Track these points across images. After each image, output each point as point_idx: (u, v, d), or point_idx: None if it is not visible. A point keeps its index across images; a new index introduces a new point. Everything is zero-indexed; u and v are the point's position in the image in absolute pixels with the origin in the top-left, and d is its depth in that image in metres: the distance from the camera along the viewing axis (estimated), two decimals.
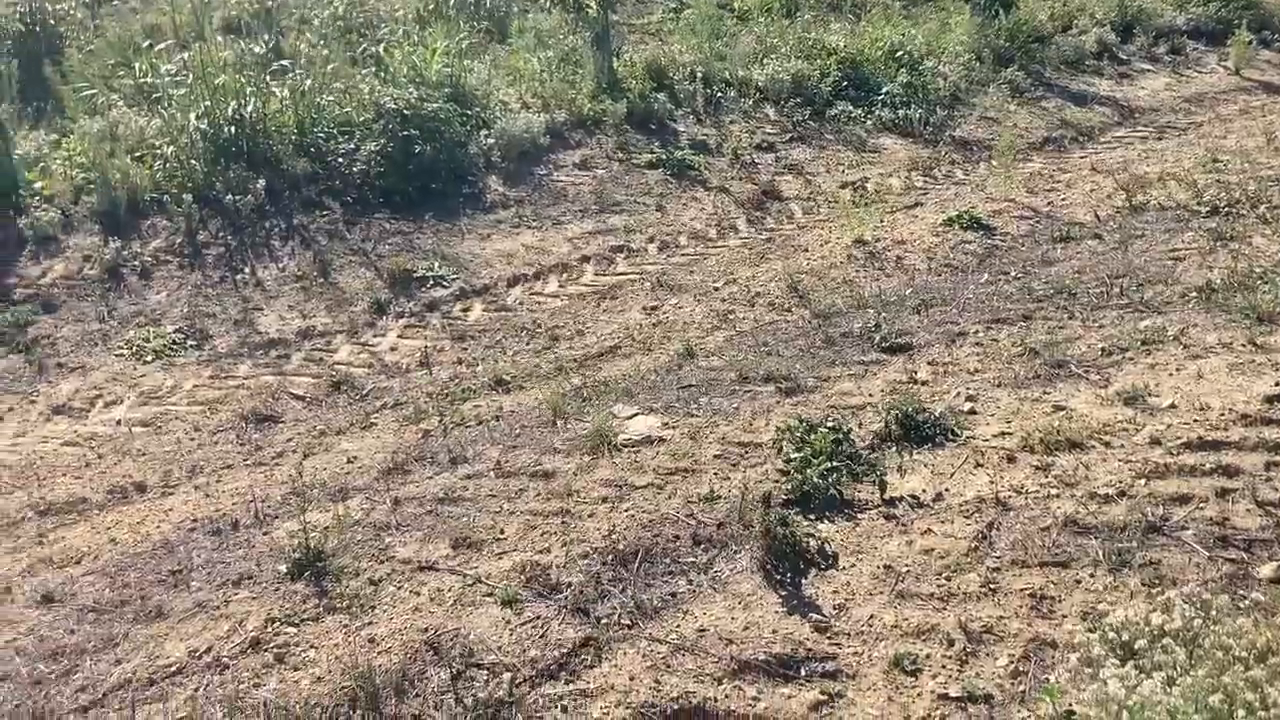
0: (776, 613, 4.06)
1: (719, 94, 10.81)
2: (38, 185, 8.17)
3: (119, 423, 6.16)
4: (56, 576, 4.76)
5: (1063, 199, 8.84)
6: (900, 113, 10.65)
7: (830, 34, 12.17)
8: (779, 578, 4.24)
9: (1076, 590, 4.04)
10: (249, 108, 8.67)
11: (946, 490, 4.74)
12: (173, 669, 4.05)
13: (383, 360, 6.81)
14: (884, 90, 10.95)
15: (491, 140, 9.44)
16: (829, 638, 3.91)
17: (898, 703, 3.60)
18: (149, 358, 6.78)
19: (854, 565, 4.31)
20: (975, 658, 3.75)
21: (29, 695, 3.95)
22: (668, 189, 9.28)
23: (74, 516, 5.29)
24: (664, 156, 9.66)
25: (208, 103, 8.69)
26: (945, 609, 4.00)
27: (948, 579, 4.16)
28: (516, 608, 4.19)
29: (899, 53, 11.55)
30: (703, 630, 3.98)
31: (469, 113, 9.58)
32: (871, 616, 4.00)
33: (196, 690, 3.91)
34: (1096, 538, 4.28)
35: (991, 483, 4.75)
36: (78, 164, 8.45)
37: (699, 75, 10.85)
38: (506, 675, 3.73)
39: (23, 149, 8.42)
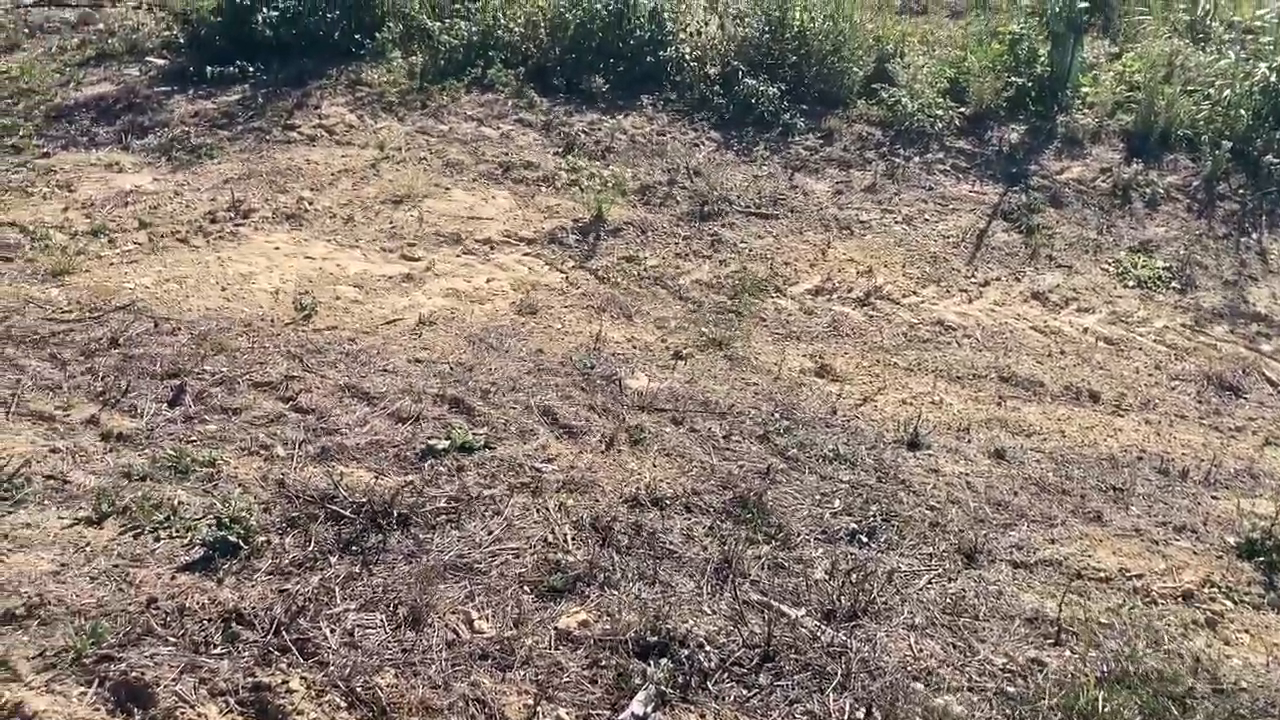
0: None
1: None
2: (1085, 90, 8.48)
3: (1085, 330, 6.31)
4: (1008, 440, 5.11)
5: None
6: None
7: None
8: None
9: None
10: None
11: None
12: (1101, 575, 4.13)
13: None
14: None
15: None
16: None
17: None
18: (1130, 282, 6.79)
19: None
20: None
21: (964, 528, 4.32)
22: None
23: (1029, 395, 5.60)
24: None
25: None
26: None
27: None
28: None
29: None
30: None
31: None
32: None
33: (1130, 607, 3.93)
34: None
35: None
36: (1126, 81, 8.58)
37: None
38: None
39: (1085, 53, 8.73)
